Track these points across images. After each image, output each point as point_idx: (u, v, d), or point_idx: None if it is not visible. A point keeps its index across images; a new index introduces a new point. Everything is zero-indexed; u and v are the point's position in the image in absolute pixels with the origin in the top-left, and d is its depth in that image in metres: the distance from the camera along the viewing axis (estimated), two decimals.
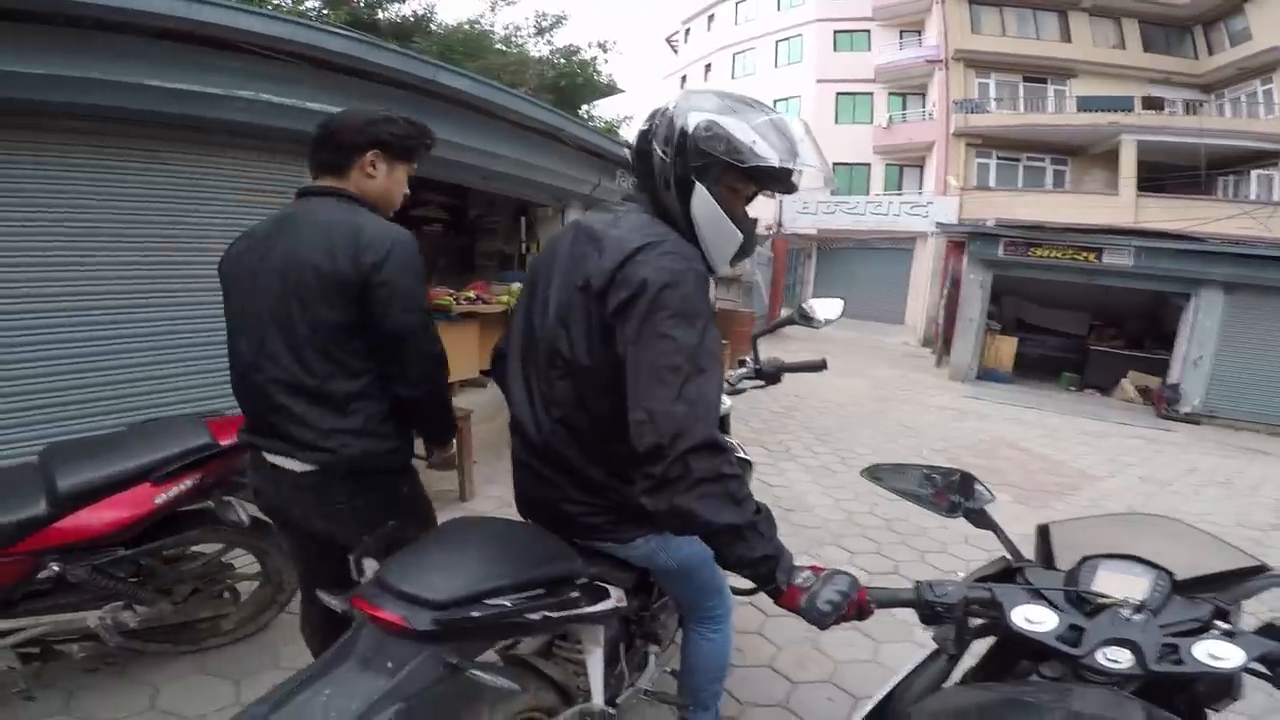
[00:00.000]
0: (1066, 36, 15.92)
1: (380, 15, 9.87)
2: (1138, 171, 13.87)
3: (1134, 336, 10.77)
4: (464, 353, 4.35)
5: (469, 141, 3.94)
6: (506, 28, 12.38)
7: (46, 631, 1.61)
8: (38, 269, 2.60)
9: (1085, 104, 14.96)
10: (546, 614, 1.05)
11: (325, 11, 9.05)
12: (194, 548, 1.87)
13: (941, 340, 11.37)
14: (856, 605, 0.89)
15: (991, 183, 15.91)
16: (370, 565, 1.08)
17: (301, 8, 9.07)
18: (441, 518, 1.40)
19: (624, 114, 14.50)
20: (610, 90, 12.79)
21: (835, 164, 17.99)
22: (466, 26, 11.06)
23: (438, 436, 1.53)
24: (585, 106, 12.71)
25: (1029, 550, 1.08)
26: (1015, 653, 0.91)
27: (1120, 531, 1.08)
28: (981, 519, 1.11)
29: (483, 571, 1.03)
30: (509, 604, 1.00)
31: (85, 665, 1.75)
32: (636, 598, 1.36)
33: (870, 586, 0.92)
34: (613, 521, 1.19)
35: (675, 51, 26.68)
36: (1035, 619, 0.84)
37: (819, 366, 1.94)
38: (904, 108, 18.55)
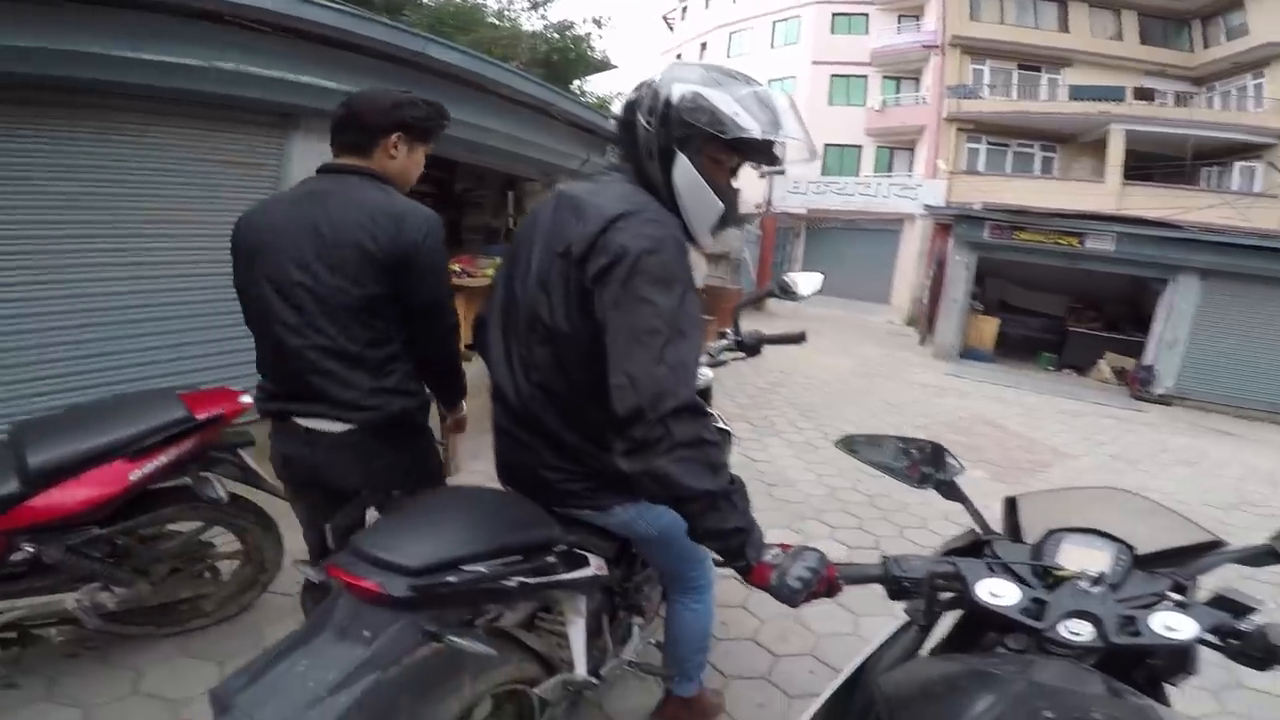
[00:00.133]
0: (1065, 26, 15.92)
1: None
2: (1125, 160, 13.99)
3: (1112, 319, 10.94)
4: None
5: (459, 115, 3.75)
6: (500, 1, 12.13)
7: (23, 615, 1.57)
8: (4, 242, 2.50)
9: (1078, 93, 15.01)
10: (523, 579, 1.05)
11: None
12: (171, 526, 1.82)
13: (926, 320, 11.50)
14: (826, 581, 0.90)
15: (980, 167, 15.97)
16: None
17: None
18: None
19: (618, 90, 14.20)
20: (604, 66, 12.52)
21: (826, 145, 18.04)
22: (459, 0, 10.73)
23: (454, 398, 1.66)
24: (577, 82, 12.43)
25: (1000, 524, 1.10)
26: (982, 625, 0.92)
27: (1086, 505, 1.09)
28: (951, 491, 1.12)
29: (459, 537, 1.03)
30: (485, 570, 1.00)
31: (65, 650, 1.71)
32: (619, 568, 1.37)
33: (839, 563, 0.93)
34: (590, 489, 1.19)
35: (671, 29, 26.16)
36: (999, 592, 0.85)
37: (798, 339, 1.97)
38: (897, 91, 18.45)
